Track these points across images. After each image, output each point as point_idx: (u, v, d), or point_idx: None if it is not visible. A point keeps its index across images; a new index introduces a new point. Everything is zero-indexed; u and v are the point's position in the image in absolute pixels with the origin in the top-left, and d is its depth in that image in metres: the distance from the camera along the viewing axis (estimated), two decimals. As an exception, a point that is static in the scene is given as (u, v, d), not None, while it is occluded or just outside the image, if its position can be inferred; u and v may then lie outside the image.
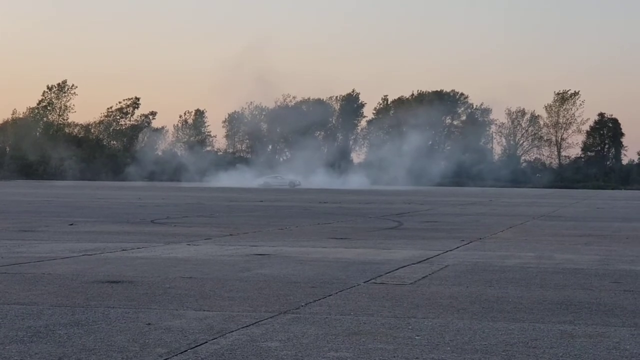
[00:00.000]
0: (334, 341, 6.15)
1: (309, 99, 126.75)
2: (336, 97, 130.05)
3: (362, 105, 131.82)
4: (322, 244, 14.80)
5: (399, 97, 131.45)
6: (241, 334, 6.37)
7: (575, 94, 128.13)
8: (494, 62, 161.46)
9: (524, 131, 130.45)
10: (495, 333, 6.56)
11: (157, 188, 68.35)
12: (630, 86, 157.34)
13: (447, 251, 13.74)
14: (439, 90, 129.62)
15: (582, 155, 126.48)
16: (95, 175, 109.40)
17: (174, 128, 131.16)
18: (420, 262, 11.93)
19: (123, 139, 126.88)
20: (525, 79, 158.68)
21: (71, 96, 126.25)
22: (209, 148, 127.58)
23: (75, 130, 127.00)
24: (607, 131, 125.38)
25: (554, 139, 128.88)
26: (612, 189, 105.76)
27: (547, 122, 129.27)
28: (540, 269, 11.19)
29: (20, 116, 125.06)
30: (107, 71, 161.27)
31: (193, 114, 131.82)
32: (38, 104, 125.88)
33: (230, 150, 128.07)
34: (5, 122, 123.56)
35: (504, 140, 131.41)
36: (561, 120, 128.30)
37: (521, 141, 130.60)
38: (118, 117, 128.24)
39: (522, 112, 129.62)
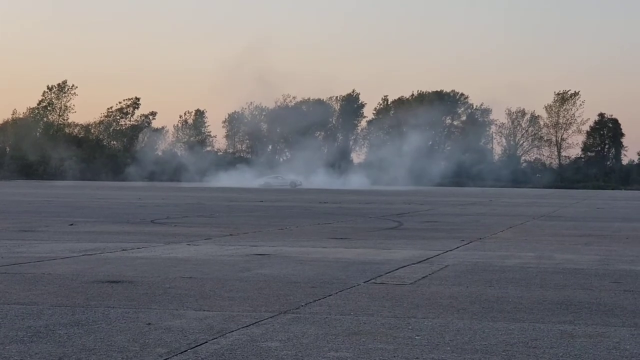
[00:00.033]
0: (334, 341, 6.15)
1: (309, 99, 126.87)
2: (336, 97, 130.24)
3: (362, 106, 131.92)
4: (322, 244, 14.80)
5: (399, 97, 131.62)
6: (241, 333, 6.37)
7: (575, 94, 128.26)
8: (494, 62, 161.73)
9: (524, 131, 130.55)
10: (495, 333, 6.56)
11: (157, 188, 68.35)
12: (630, 86, 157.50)
13: (447, 251, 13.74)
14: (439, 90, 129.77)
15: (582, 156, 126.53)
16: (96, 175, 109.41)
17: (174, 128, 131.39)
18: (420, 262, 11.93)
19: (123, 139, 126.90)
20: (525, 79, 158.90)
21: (71, 96, 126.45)
22: (209, 148, 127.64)
23: (76, 130, 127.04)
24: (607, 131, 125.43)
25: (554, 139, 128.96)
26: (612, 189, 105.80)
27: (547, 122, 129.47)
28: (540, 269, 11.19)
29: (21, 116, 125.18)
30: (107, 71, 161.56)
31: (193, 114, 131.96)
32: (38, 104, 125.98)
33: (231, 151, 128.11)
34: (6, 122, 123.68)
35: (504, 140, 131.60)
36: (561, 121, 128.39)
37: (521, 141, 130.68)
38: (118, 117, 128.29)
39: (522, 112, 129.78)
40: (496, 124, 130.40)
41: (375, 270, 10.69)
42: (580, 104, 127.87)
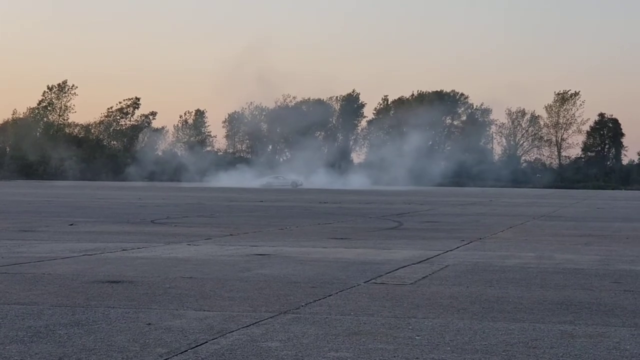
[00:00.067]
0: (334, 341, 6.15)
1: (309, 99, 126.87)
2: (336, 97, 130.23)
3: (363, 106, 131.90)
4: (322, 244, 14.80)
5: (399, 97, 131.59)
6: (241, 334, 6.37)
7: (576, 94, 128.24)
8: (494, 62, 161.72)
9: (524, 131, 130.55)
10: (495, 333, 6.56)
11: (157, 188, 68.36)
12: (630, 86, 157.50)
13: (447, 251, 13.73)
14: (439, 90, 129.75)
15: (583, 156, 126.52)
16: (96, 175, 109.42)
17: (174, 128, 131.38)
18: (420, 262, 11.93)
19: (123, 139, 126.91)
20: (525, 79, 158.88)
21: (71, 96, 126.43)
22: (209, 148, 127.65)
23: (76, 130, 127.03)
24: (607, 131, 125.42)
25: (554, 139, 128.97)
26: (613, 189, 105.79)
27: (547, 122, 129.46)
28: (540, 269, 11.19)
29: (21, 116, 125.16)
30: (107, 71, 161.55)
31: (193, 114, 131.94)
32: (38, 104, 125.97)
33: (231, 151, 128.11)
34: (6, 122, 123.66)
35: (504, 140, 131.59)
36: (561, 121, 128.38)
37: (521, 141, 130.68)
38: (118, 117, 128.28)
39: (522, 113, 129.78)
40: (496, 124, 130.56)
41: (375, 271, 10.69)
42: (581, 104, 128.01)
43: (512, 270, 11.04)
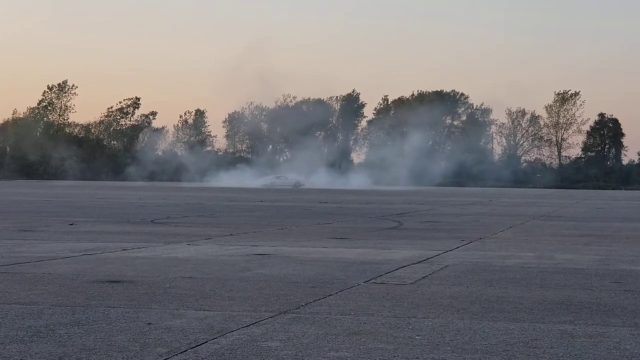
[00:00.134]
0: (334, 341, 6.15)
1: (309, 99, 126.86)
2: (336, 97, 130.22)
3: (363, 106, 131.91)
4: (322, 244, 14.80)
5: (399, 97, 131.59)
6: (241, 333, 6.37)
7: (576, 94, 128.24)
8: (494, 62, 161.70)
9: (524, 131, 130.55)
10: (495, 333, 6.56)
11: (158, 188, 68.36)
12: (630, 86, 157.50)
13: (447, 251, 13.74)
14: (439, 90, 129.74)
15: (583, 156, 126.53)
16: (96, 175, 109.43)
17: (174, 128, 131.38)
18: (420, 262, 11.93)
19: (123, 139, 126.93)
20: (525, 79, 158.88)
21: (71, 96, 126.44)
22: (209, 148, 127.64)
23: (76, 130, 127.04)
24: (607, 131, 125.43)
25: (554, 139, 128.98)
26: (613, 189, 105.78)
27: (547, 122, 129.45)
28: (540, 269, 11.19)
29: (21, 116, 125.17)
30: (107, 71, 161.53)
31: (193, 114, 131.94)
32: (38, 104, 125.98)
33: (231, 151, 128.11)
34: (6, 122, 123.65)
35: (504, 140, 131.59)
36: (561, 121, 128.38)
37: (521, 141, 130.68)
38: (118, 117, 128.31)
39: (523, 112, 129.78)
40: (496, 124, 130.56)
41: (375, 270, 10.69)
42: (581, 104, 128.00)
43: (512, 270, 11.04)
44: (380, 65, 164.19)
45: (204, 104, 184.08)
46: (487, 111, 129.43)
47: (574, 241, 16.48)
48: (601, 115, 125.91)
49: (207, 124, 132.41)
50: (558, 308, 7.85)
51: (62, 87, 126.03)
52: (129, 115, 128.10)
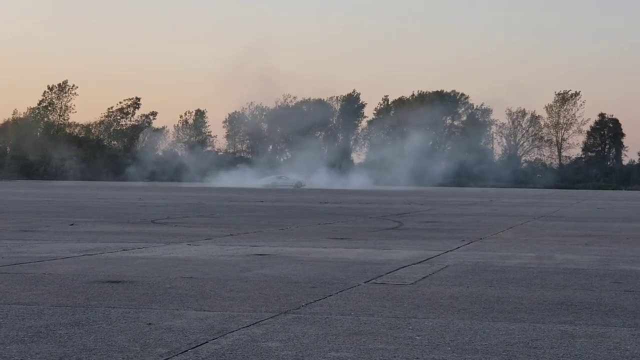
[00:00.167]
0: (334, 341, 6.15)
1: (309, 99, 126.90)
2: (337, 97, 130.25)
3: (363, 106, 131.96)
4: (322, 244, 14.80)
5: (399, 97, 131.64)
6: (242, 334, 6.37)
7: (576, 94, 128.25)
8: (494, 62, 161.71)
9: (524, 131, 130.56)
10: (495, 333, 6.56)
11: (158, 188, 68.36)
12: (630, 86, 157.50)
13: (447, 251, 13.73)
14: (439, 90, 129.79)
15: (583, 156, 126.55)
16: (96, 175, 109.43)
17: (175, 128, 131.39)
18: (420, 262, 11.93)
19: (124, 139, 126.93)
20: (525, 79, 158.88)
21: (72, 96, 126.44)
22: (209, 148, 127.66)
23: (76, 130, 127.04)
24: (607, 131, 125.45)
25: (554, 139, 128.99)
26: (613, 189, 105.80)
27: (547, 122, 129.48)
28: (540, 269, 11.19)
29: (21, 116, 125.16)
30: (108, 71, 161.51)
31: (193, 114, 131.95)
32: (39, 104, 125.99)
33: (231, 151, 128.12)
34: (6, 122, 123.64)
35: (504, 140, 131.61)
36: (562, 121, 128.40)
37: (522, 141, 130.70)
38: (119, 117, 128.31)
39: (523, 113, 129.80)
40: (497, 124, 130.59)
41: (375, 271, 10.69)
42: (581, 104, 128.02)
43: (513, 270, 11.04)
44: (380, 65, 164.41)
45: (204, 104, 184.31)
46: (487, 111, 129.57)
47: (575, 241, 16.48)
48: (601, 115, 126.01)
49: (207, 124, 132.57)
50: (558, 308, 7.85)
51: (63, 87, 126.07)
52: (129, 116, 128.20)
